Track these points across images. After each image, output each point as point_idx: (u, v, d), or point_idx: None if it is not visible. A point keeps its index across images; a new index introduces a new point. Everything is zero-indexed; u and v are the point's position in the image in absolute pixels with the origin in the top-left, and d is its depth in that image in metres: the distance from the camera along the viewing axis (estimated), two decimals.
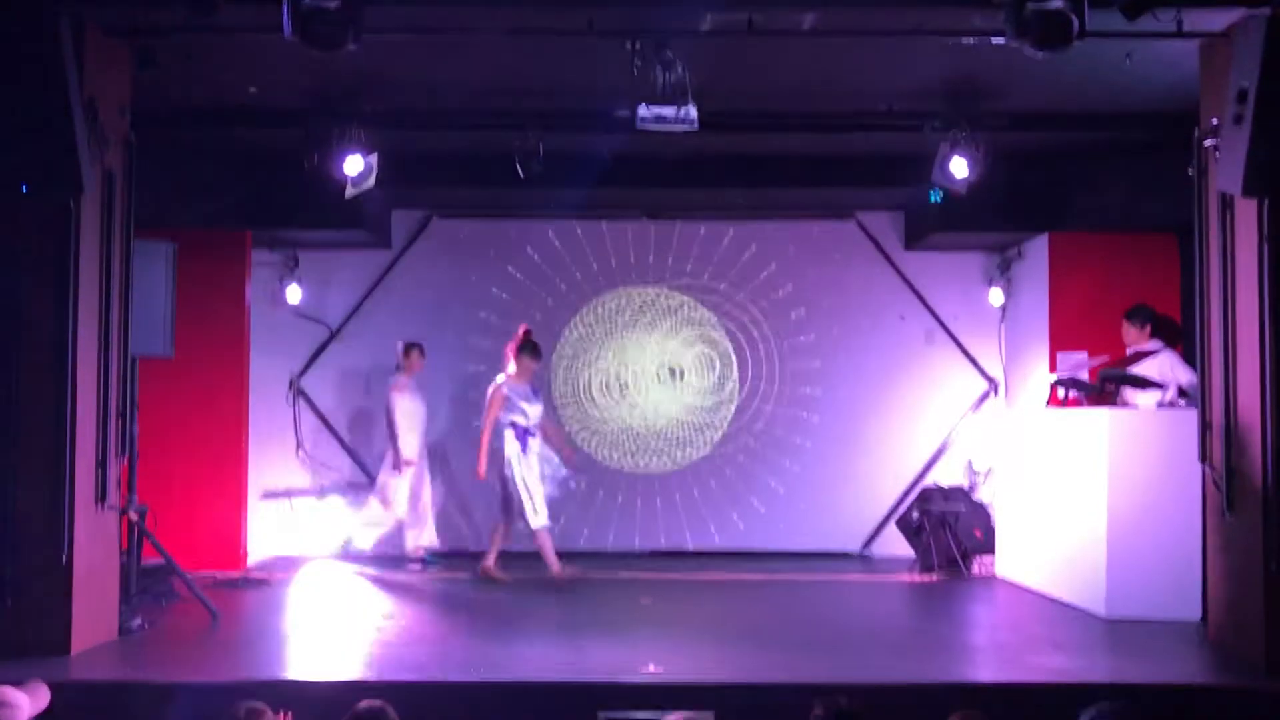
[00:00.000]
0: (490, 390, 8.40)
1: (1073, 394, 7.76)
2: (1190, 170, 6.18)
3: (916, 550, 9.07)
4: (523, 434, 8.26)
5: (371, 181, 7.79)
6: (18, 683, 4.33)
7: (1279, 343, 5.60)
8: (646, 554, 9.65)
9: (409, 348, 9.31)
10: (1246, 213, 5.74)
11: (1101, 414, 7.12)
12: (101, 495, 6.04)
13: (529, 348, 8.43)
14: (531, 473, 8.26)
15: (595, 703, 5.01)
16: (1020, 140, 8.26)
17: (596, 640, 6.30)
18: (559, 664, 5.64)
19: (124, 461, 6.49)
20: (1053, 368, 8.92)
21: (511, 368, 8.41)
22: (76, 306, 5.82)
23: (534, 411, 8.38)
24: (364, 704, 3.84)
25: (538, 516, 8.17)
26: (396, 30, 6.13)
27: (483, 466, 8.26)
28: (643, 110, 6.27)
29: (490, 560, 8.37)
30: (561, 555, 8.40)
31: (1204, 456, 6.13)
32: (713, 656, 6.03)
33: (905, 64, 6.99)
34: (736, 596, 7.71)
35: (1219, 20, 5.79)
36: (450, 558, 9.25)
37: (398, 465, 8.97)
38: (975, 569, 8.88)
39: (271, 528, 9.75)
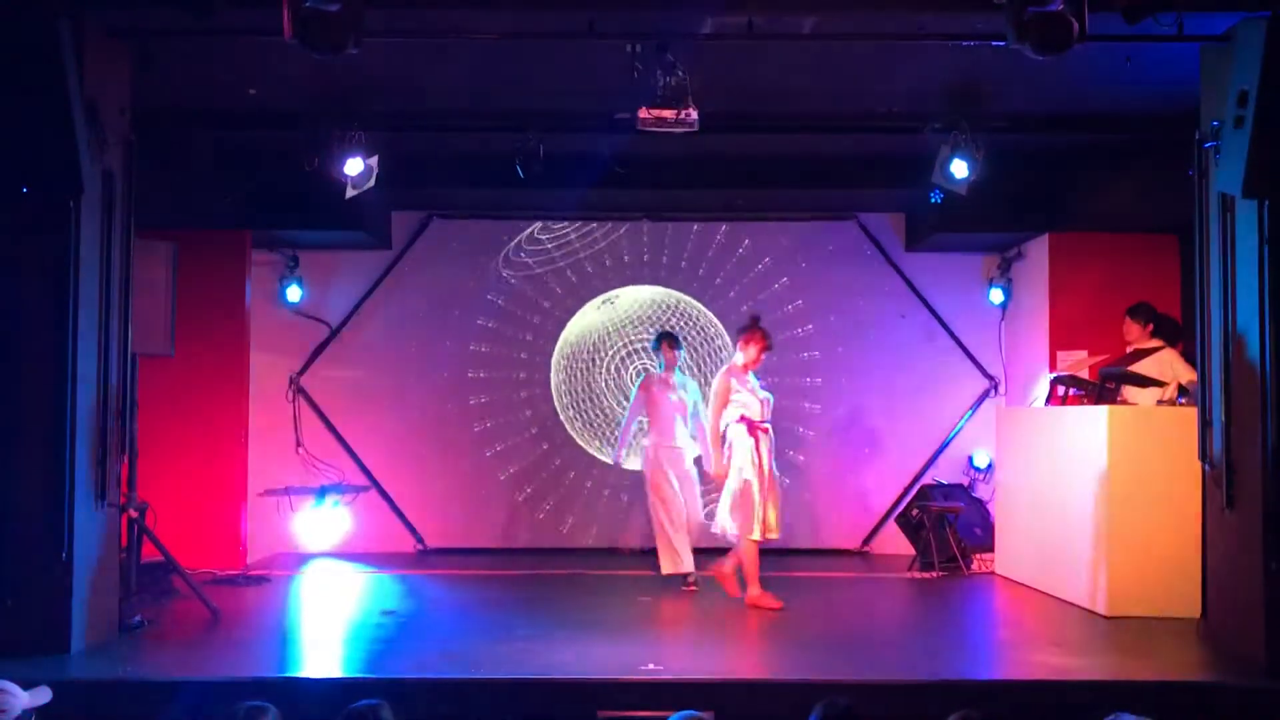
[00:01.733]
0: (715, 381, 7.62)
1: (1073, 392, 7.77)
2: (1191, 172, 6.19)
3: (916, 547, 9.07)
4: (751, 429, 7.41)
5: (371, 182, 7.79)
6: (21, 684, 4.32)
7: (1278, 343, 5.61)
8: (648, 550, 9.63)
9: (660, 339, 8.57)
10: (1246, 213, 5.74)
11: (1101, 412, 7.13)
12: (102, 493, 6.04)
13: (760, 333, 7.54)
14: (762, 472, 7.32)
15: (595, 702, 5.02)
16: (1020, 141, 8.27)
17: (596, 640, 6.30)
18: (559, 663, 5.63)
19: (124, 459, 6.50)
20: (1053, 366, 8.94)
21: (739, 357, 7.56)
22: (76, 306, 5.83)
23: (763, 403, 7.50)
24: (359, 702, 3.84)
25: (757, 526, 7.23)
26: (397, 33, 6.13)
27: (714, 463, 7.47)
28: (643, 112, 6.27)
29: (756, 588, 7.32)
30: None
31: (1203, 454, 6.13)
32: (713, 656, 6.04)
33: (906, 66, 6.98)
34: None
35: (1219, 24, 5.80)
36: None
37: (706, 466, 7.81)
38: (975, 566, 8.89)
39: (271, 525, 9.76)
